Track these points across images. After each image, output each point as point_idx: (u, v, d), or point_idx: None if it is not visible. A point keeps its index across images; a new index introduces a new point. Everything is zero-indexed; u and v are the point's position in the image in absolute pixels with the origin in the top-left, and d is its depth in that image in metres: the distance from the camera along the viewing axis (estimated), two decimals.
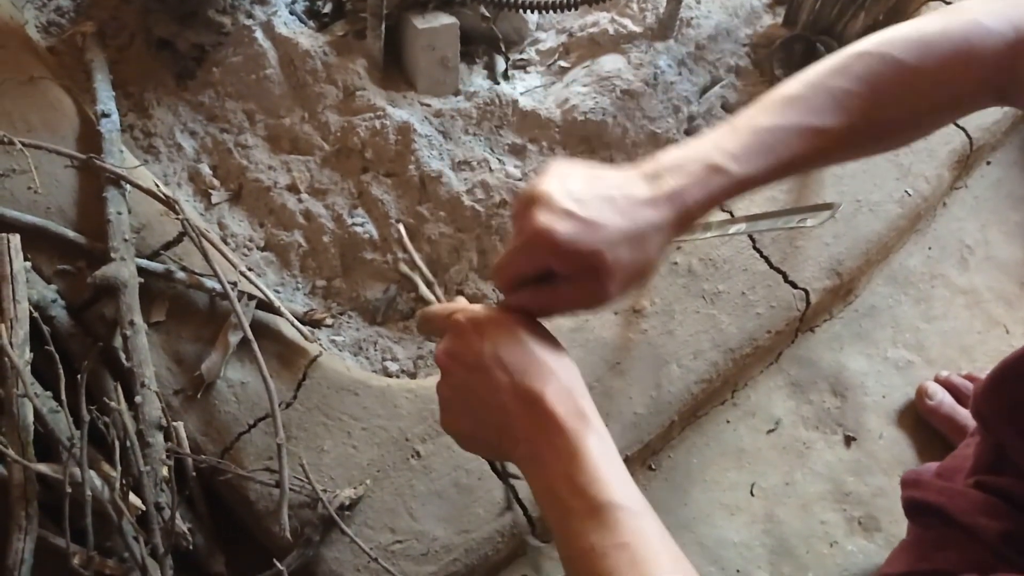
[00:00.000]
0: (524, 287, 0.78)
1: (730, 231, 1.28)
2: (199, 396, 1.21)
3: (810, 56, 1.67)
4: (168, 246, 1.29)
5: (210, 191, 1.54)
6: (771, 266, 1.36)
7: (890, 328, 1.50)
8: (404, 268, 0.89)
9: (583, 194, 0.75)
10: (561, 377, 0.73)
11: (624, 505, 0.66)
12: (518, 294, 0.78)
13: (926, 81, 0.80)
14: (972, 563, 0.93)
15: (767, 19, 1.78)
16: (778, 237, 1.38)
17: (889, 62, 0.79)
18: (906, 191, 1.47)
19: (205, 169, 1.55)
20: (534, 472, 0.72)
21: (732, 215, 1.37)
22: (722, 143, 0.77)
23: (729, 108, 1.68)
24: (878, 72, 0.79)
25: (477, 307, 0.78)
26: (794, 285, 1.36)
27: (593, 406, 0.73)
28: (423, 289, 1.28)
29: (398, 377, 1.40)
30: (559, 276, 0.75)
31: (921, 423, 1.41)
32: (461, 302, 0.83)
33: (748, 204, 1.40)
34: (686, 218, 0.76)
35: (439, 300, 0.94)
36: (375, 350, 1.47)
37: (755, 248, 1.37)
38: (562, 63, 1.70)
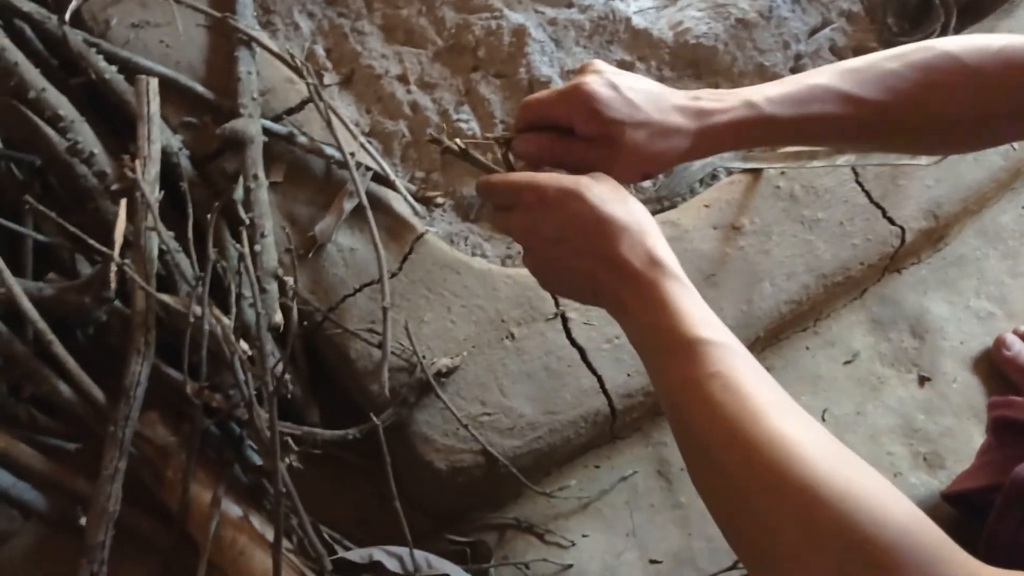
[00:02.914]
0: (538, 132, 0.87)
1: (838, 162, 1.31)
2: (310, 256, 1.26)
3: (925, 9, 1.68)
4: (290, 112, 1.33)
5: (322, 72, 1.58)
6: (871, 200, 1.38)
7: (975, 279, 1.52)
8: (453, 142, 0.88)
9: (631, 80, 0.85)
10: (632, 230, 0.77)
11: (711, 339, 0.70)
12: (535, 136, 0.87)
13: (982, 82, 0.85)
14: None
15: None
16: (881, 173, 1.39)
17: (946, 57, 0.85)
18: (1011, 145, 1.48)
19: (319, 51, 1.59)
20: (624, 322, 0.78)
21: None
22: (765, 88, 0.86)
23: (836, 52, 1.69)
24: (934, 64, 0.85)
25: (541, 178, 0.81)
26: (891, 221, 1.38)
27: (669, 252, 0.78)
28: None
29: None
30: (576, 136, 0.85)
31: (994, 373, 1.44)
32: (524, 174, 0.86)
33: None
34: (709, 133, 0.86)
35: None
36: (465, 245, 1.50)
37: (857, 181, 1.39)
38: None
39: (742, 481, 0.62)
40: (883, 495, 0.58)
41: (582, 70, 0.87)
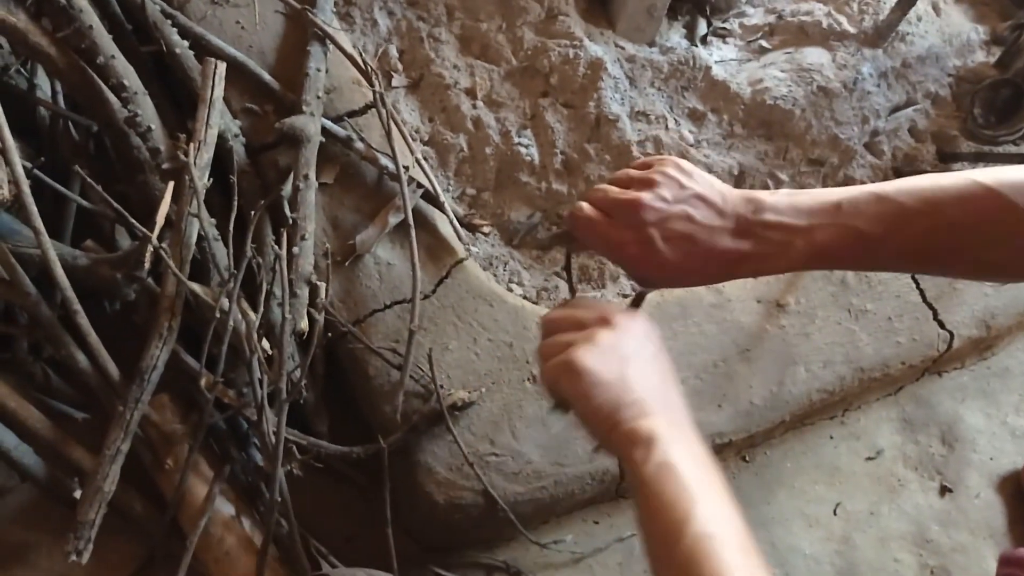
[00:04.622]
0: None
1: None
2: (346, 264, 1.25)
3: (1015, 103, 1.62)
4: (352, 114, 1.32)
5: (392, 73, 1.56)
6: (924, 299, 1.34)
7: (1017, 395, 1.47)
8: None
9: (675, 222, 0.78)
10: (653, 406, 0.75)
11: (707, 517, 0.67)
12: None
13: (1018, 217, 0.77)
14: None
15: (980, 55, 1.72)
16: None
17: (984, 193, 0.76)
18: None
19: (393, 51, 1.57)
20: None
21: None
22: (819, 229, 0.78)
23: (915, 134, 1.64)
24: (972, 200, 0.77)
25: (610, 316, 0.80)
26: (942, 325, 1.34)
27: (672, 429, 0.74)
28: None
29: None
30: None
31: (1020, 495, 1.39)
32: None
33: None
34: (764, 267, 0.80)
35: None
36: (504, 270, 1.48)
37: (913, 278, 1.35)
38: (763, 43, 1.68)
39: None
40: None
41: (631, 204, 0.79)
